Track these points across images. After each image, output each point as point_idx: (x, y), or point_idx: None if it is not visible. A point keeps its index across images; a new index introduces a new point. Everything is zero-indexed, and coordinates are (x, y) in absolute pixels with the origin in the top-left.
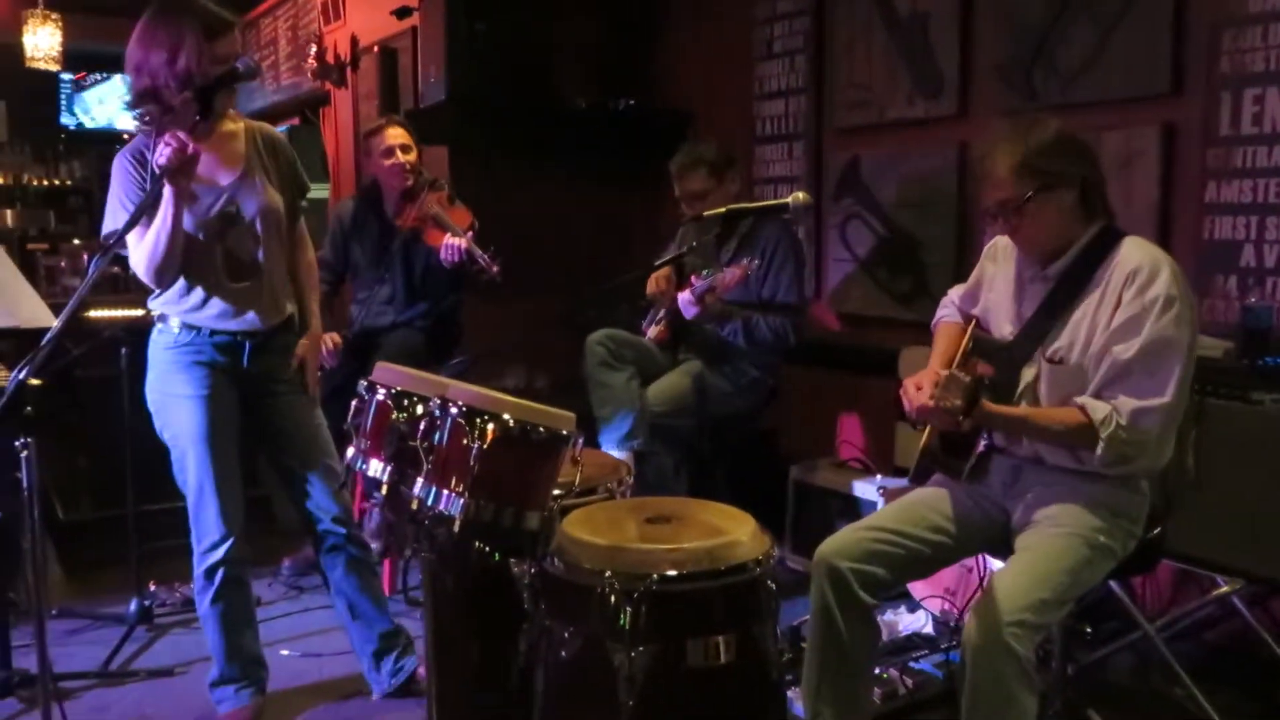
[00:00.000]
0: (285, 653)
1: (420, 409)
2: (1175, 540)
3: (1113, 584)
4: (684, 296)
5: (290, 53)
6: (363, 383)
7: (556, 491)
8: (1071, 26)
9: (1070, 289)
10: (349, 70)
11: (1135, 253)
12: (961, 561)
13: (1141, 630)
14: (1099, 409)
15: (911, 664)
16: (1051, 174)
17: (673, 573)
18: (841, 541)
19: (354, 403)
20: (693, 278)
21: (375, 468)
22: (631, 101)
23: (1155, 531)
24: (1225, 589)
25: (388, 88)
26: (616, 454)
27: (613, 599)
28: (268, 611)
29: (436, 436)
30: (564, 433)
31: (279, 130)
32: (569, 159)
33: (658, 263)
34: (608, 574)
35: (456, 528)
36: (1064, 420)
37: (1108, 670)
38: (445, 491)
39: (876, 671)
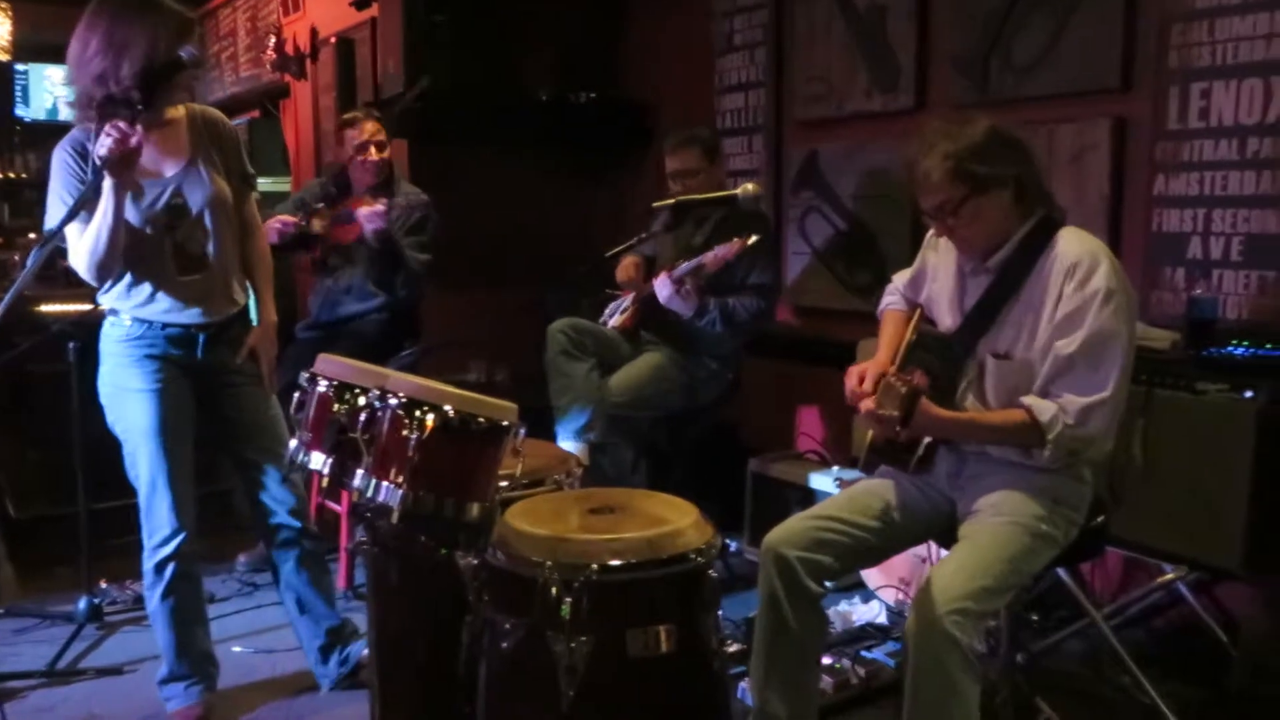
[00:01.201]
0: (237, 649)
1: (361, 400)
2: (1124, 528)
3: (1061, 572)
4: (661, 279)
5: (249, 44)
6: (304, 375)
7: (503, 483)
8: (1026, 19)
9: (1010, 281)
10: (308, 62)
11: (1074, 245)
12: (914, 551)
13: (1090, 618)
14: (1045, 410)
15: (864, 654)
16: (986, 176)
17: (613, 562)
18: (789, 530)
19: (296, 395)
20: (677, 264)
21: (317, 460)
22: (593, 94)
23: (1099, 520)
24: (1171, 575)
25: (346, 79)
26: (571, 446)
27: (553, 590)
28: (221, 608)
29: (377, 428)
30: (504, 423)
31: (238, 122)
32: (531, 151)
33: (610, 252)
34: (548, 565)
35: (395, 518)
36: (1009, 421)
37: (1056, 658)
38: (385, 483)
39: (830, 661)
